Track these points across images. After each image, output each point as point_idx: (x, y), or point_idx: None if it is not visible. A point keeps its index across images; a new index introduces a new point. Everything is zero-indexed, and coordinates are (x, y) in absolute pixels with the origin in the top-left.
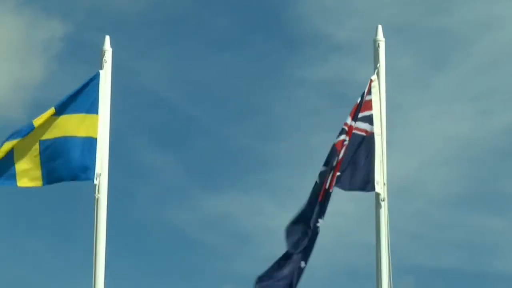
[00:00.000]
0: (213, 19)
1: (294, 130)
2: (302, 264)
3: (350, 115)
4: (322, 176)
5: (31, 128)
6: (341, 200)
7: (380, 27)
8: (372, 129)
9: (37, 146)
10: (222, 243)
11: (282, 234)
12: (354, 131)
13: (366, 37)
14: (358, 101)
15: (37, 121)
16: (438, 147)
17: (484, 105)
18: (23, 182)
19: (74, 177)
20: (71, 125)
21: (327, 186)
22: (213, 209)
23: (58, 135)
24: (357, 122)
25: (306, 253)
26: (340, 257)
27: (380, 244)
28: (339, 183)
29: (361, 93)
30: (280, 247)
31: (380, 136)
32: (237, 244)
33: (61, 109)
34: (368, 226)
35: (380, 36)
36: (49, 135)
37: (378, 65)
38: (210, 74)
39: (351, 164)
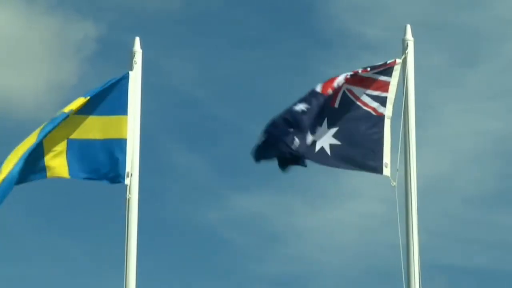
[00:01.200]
0: (243, 18)
1: None
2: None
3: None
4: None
5: (63, 116)
6: (371, 201)
7: (409, 27)
8: (384, 111)
9: (65, 143)
10: (253, 243)
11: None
12: (359, 103)
13: (396, 35)
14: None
15: (68, 108)
16: (469, 144)
17: None
18: (51, 174)
19: (103, 178)
20: (99, 127)
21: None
22: (244, 209)
23: (86, 136)
24: (365, 97)
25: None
26: (370, 257)
27: (409, 238)
28: (338, 154)
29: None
30: (310, 248)
31: (389, 120)
32: (267, 244)
33: (91, 107)
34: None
35: (409, 35)
36: (77, 135)
37: (406, 52)
38: (239, 72)
39: (355, 139)
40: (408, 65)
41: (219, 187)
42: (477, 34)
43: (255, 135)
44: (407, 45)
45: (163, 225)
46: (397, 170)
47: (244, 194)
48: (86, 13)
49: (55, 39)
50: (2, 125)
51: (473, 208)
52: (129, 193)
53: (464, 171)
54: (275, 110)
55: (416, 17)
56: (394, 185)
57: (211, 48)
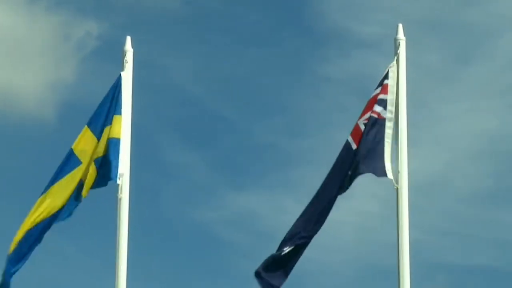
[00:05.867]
0: (240, 16)
1: (320, 127)
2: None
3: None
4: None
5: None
6: (366, 199)
7: (400, 26)
8: (385, 113)
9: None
10: (247, 241)
11: None
12: (372, 114)
13: (391, 32)
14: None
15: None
16: (465, 143)
17: None
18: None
19: (103, 181)
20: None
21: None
22: (238, 207)
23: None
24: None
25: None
26: (365, 256)
27: (401, 236)
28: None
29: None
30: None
31: (391, 122)
32: (262, 242)
33: (97, 125)
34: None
35: (401, 35)
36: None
37: (398, 51)
38: (236, 71)
39: (366, 144)
40: (400, 65)
41: (214, 185)
42: (472, 31)
43: (251, 133)
44: (399, 44)
45: (157, 223)
46: (398, 171)
47: (239, 192)
48: (88, 12)
49: (56, 37)
50: (3, 121)
51: (470, 207)
52: (121, 192)
53: (460, 169)
54: (271, 109)
55: (411, 14)
56: (397, 187)
57: (209, 45)
